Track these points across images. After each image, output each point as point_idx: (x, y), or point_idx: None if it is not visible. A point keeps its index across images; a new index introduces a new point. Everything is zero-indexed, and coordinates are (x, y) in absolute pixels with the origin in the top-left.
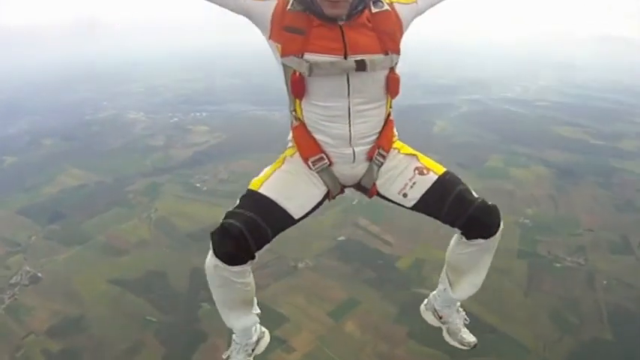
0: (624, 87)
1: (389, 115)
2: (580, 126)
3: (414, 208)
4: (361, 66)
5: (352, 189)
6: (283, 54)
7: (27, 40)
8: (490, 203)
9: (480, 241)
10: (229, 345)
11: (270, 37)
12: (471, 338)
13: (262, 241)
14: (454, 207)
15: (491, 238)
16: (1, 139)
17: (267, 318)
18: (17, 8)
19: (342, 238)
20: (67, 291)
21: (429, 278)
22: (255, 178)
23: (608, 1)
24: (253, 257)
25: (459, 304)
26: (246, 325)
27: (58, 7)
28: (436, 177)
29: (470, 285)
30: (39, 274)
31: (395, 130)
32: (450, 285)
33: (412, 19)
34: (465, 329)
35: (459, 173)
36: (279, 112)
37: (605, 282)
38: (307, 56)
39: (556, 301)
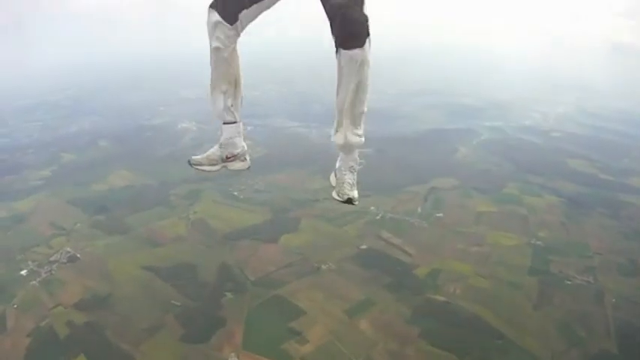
0: (636, 118)
1: None
2: (591, 160)
3: (328, 9)
4: None
5: None
6: None
7: (101, 25)
8: (361, 20)
9: (345, 51)
10: (246, 332)
11: None
12: (351, 192)
13: (241, 4)
14: (333, 10)
15: (351, 52)
16: (64, 137)
17: (285, 310)
18: None
19: (364, 246)
20: (101, 272)
21: (444, 286)
22: None
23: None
24: (236, 18)
25: (350, 164)
26: (220, 106)
27: None
28: None
29: (348, 134)
30: (77, 255)
31: None
32: (335, 132)
33: None
34: (349, 186)
35: (478, 197)
36: (318, 130)
37: (614, 300)
38: None
39: (565, 315)
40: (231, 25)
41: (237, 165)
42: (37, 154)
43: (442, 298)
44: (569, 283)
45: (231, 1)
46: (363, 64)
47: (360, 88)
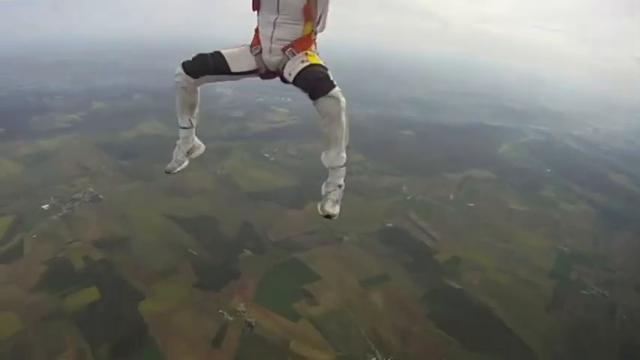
0: None
1: (310, 35)
2: (633, 177)
3: (294, 82)
4: None
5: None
6: None
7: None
8: (326, 80)
9: (317, 100)
10: (259, 287)
11: None
12: (330, 209)
13: (205, 70)
14: (304, 78)
15: (322, 99)
16: (96, 89)
17: (301, 273)
18: None
19: (390, 224)
20: (122, 214)
21: (461, 275)
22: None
23: None
24: (197, 77)
25: (339, 180)
26: (183, 122)
27: None
28: (308, 64)
29: (333, 156)
30: (100, 196)
31: (314, 47)
32: (324, 154)
33: None
34: (331, 203)
35: (513, 194)
36: (359, 109)
37: (624, 317)
38: None
39: (574, 323)
40: (193, 79)
41: (196, 153)
42: (66, 100)
43: (457, 286)
44: (584, 292)
45: (199, 63)
46: (334, 106)
47: (338, 125)
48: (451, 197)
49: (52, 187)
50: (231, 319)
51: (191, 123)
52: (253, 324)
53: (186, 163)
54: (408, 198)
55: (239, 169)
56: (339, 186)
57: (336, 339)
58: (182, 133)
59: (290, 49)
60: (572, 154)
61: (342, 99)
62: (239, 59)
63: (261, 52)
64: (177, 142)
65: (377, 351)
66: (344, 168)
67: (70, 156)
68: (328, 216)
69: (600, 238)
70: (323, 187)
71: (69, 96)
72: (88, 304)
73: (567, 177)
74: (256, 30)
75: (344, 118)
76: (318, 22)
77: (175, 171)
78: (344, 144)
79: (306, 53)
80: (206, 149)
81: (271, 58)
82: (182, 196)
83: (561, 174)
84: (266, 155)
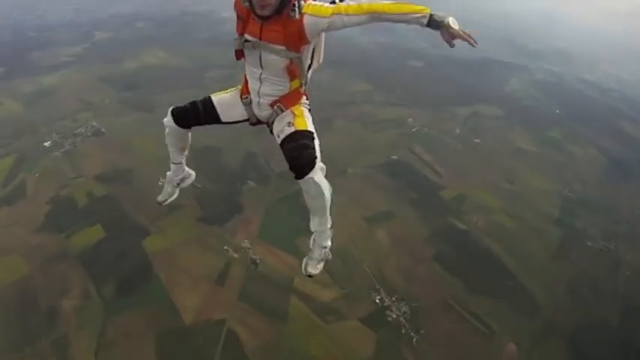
0: None
1: (297, 88)
2: None
3: (280, 146)
4: (259, 46)
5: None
6: (236, 30)
7: None
8: (305, 158)
9: (299, 181)
10: (262, 221)
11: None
12: (311, 270)
13: (195, 122)
14: (286, 152)
15: (302, 181)
16: (98, 18)
17: (305, 207)
18: None
19: (394, 157)
20: (125, 147)
21: (467, 213)
22: (218, 91)
23: None
24: (189, 128)
25: (323, 242)
26: (173, 159)
27: None
28: (294, 130)
29: (315, 223)
30: (102, 130)
31: (304, 99)
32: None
33: (322, 29)
34: (315, 262)
35: (520, 132)
36: (369, 37)
37: (628, 273)
38: (246, 36)
39: (578, 274)
40: (183, 129)
41: (186, 182)
42: (68, 33)
43: (463, 226)
44: (589, 244)
45: (189, 115)
46: (312, 188)
47: (319, 200)
48: (457, 132)
49: (55, 124)
50: (236, 255)
51: (182, 159)
52: (258, 261)
53: (176, 194)
54: (413, 130)
55: None
56: (324, 247)
57: (340, 276)
58: (173, 167)
59: (278, 104)
60: (582, 97)
61: (322, 182)
62: (230, 109)
63: (251, 102)
64: (168, 174)
65: (381, 289)
66: (329, 231)
67: (72, 91)
68: (309, 276)
69: (607, 186)
70: (310, 242)
71: (71, 27)
72: (93, 244)
73: (576, 120)
74: (244, 77)
75: (326, 194)
76: (311, 64)
77: (167, 202)
78: (327, 211)
79: (294, 113)
80: (212, 77)
81: (261, 112)
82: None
83: (570, 117)
84: None
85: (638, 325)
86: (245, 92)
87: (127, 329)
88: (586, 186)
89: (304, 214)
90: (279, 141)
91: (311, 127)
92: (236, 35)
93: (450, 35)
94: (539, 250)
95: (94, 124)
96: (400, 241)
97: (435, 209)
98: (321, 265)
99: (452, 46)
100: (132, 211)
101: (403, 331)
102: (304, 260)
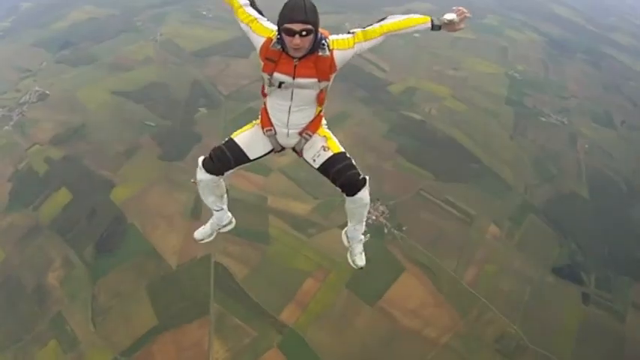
0: None
1: (319, 112)
2: (578, 11)
3: (319, 169)
4: (293, 84)
5: (291, 150)
6: (263, 70)
7: None
8: (357, 178)
9: (349, 197)
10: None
11: (259, 55)
12: (360, 262)
13: (227, 167)
14: (336, 175)
15: (353, 197)
16: None
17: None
18: None
19: None
20: (72, 103)
21: (418, 105)
22: (236, 131)
23: None
24: (222, 174)
25: (360, 237)
26: (215, 207)
27: None
28: (332, 154)
29: (351, 229)
30: (47, 92)
31: (324, 121)
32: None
33: (349, 59)
34: (360, 255)
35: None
36: None
37: (586, 146)
38: (275, 75)
39: (539, 151)
40: (218, 176)
41: (227, 228)
42: None
43: (418, 117)
44: (543, 120)
45: (220, 162)
46: (365, 198)
47: (365, 208)
48: None
49: None
50: None
51: (223, 206)
52: (228, 187)
53: (214, 236)
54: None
55: (179, 31)
56: (361, 240)
57: (310, 186)
58: (216, 214)
59: (306, 131)
60: None
61: (367, 196)
62: (254, 145)
63: (275, 134)
64: (212, 218)
65: None
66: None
67: (8, 62)
68: (361, 268)
69: (550, 65)
70: (344, 236)
71: None
72: (62, 209)
73: (510, 8)
74: (264, 111)
75: (368, 204)
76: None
77: (203, 241)
78: (365, 218)
79: (325, 137)
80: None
81: (289, 141)
82: (127, 70)
83: (503, 5)
84: (204, 13)
85: (605, 193)
86: (266, 125)
87: (117, 289)
88: (530, 65)
89: None
90: (316, 165)
91: (342, 148)
92: (265, 75)
93: (452, 27)
94: (496, 130)
95: (37, 88)
96: (361, 140)
97: (387, 104)
98: (364, 254)
99: (460, 29)
100: (93, 166)
101: (385, 230)
102: (348, 257)
